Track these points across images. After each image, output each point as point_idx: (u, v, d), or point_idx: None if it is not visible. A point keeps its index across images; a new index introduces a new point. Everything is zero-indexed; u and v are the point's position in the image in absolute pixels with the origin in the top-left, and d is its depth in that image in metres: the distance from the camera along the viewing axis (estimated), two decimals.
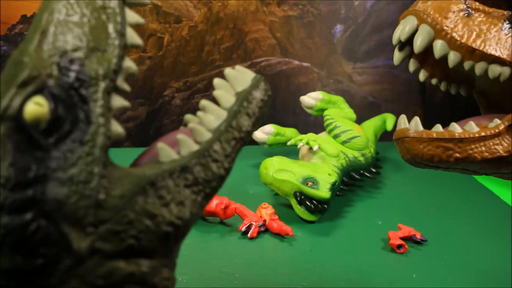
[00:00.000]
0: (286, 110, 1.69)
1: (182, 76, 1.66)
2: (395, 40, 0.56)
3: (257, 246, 0.96)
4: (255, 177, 1.31)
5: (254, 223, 0.99)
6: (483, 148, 0.53)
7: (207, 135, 0.43)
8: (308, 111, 1.37)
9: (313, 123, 1.70)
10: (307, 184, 1.03)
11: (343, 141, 1.21)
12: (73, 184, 0.36)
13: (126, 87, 0.41)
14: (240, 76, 0.45)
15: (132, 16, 0.41)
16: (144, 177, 0.39)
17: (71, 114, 0.37)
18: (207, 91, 1.67)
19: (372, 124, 1.42)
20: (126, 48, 0.40)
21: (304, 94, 1.38)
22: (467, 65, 0.53)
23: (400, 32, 0.55)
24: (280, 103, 1.69)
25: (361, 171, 1.21)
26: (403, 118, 0.57)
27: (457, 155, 0.54)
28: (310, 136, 1.20)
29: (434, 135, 0.53)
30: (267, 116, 1.68)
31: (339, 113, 1.30)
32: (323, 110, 1.34)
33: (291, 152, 1.45)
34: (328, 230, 1.03)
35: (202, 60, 1.66)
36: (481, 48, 0.52)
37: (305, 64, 1.68)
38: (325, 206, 1.04)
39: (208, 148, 0.43)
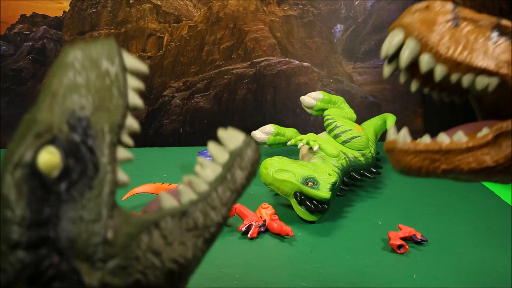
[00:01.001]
0: (286, 110, 1.69)
1: (182, 75, 1.66)
2: (383, 54, 0.56)
3: (257, 246, 0.96)
4: (255, 177, 1.31)
5: (254, 223, 0.99)
6: (471, 159, 0.53)
7: (204, 187, 0.47)
8: (308, 111, 1.37)
9: (313, 123, 1.69)
10: (307, 184, 1.03)
11: (343, 141, 1.21)
12: (83, 223, 0.40)
13: (130, 142, 0.45)
14: (232, 137, 0.49)
15: (133, 81, 0.45)
16: (148, 219, 0.43)
17: (81, 164, 0.41)
18: (207, 91, 1.67)
19: (373, 124, 1.42)
20: (128, 109, 0.45)
21: (304, 94, 1.37)
22: (454, 77, 0.53)
23: (388, 46, 0.54)
24: (280, 103, 1.68)
25: (362, 171, 1.20)
26: (391, 129, 0.56)
27: (444, 166, 0.53)
28: (310, 136, 1.20)
29: (422, 147, 0.53)
30: (267, 116, 1.68)
31: (340, 113, 1.30)
32: (323, 110, 1.33)
33: (291, 152, 1.45)
34: (329, 230, 1.03)
35: (202, 60, 1.66)
36: (467, 61, 0.51)
37: (305, 64, 1.68)
38: (325, 206, 1.04)
39: (206, 197, 0.47)
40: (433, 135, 0.56)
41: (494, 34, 0.53)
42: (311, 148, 1.18)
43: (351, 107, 1.37)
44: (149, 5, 1.62)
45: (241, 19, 1.64)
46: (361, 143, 1.21)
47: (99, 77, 0.44)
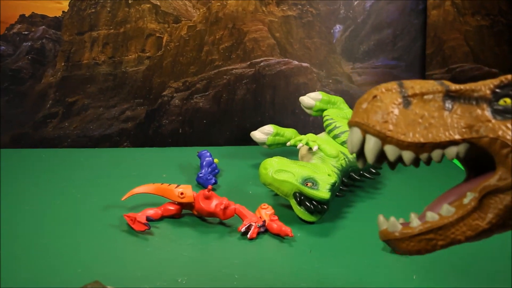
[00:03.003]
0: (285, 111, 1.69)
1: (181, 76, 1.66)
2: (350, 151, 0.56)
3: (257, 247, 0.96)
4: (254, 178, 1.31)
5: (253, 224, 0.99)
6: (464, 228, 0.53)
7: None
8: (308, 111, 1.37)
9: (312, 123, 1.69)
10: (307, 184, 1.03)
11: (342, 141, 1.21)
12: None
13: None
14: None
15: None
16: None
17: None
18: (206, 91, 1.67)
19: None
20: None
21: (304, 94, 1.37)
22: (423, 157, 0.53)
23: (351, 146, 0.54)
24: (279, 104, 1.68)
25: (361, 172, 1.20)
26: (380, 218, 0.57)
27: (441, 242, 0.54)
28: (310, 136, 1.20)
29: (414, 232, 0.54)
30: (266, 116, 1.68)
31: (339, 114, 1.30)
32: (322, 110, 1.33)
33: (291, 152, 1.45)
34: (328, 231, 1.03)
35: (201, 60, 1.66)
36: (430, 139, 0.51)
37: (304, 64, 1.68)
38: (325, 206, 1.04)
39: None
40: None
41: (447, 102, 0.53)
42: (310, 149, 1.18)
43: (350, 107, 1.37)
44: (148, 5, 1.61)
45: (240, 19, 1.64)
46: None
47: None
